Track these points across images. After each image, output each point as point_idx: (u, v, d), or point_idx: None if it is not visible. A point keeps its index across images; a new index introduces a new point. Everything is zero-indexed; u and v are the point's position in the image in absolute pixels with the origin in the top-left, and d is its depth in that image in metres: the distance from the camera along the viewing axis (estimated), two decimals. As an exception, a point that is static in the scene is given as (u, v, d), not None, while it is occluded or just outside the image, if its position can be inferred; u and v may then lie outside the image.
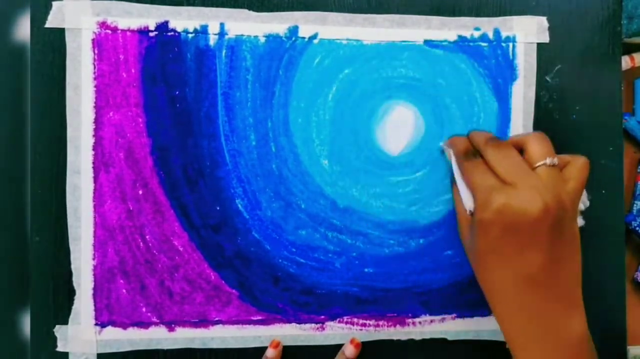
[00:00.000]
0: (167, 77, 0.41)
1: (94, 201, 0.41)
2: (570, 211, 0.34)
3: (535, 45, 0.43)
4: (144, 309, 0.41)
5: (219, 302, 0.42)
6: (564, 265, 0.35)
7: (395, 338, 0.43)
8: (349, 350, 0.42)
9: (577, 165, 0.36)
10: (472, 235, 0.36)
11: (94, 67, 0.40)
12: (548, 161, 0.35)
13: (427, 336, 0.44)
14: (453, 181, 0.40)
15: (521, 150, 0.36)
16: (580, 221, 0.39)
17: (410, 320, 0.43)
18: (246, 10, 0.41)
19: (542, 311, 0.35)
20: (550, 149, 0.36)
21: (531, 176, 0.34)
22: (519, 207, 0.33)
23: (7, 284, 0.37)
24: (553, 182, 0.34)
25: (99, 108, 0.40)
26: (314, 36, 0.42)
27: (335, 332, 0.43)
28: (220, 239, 0.42)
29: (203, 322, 0.42)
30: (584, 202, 0.39)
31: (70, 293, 0.41)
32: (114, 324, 0.41)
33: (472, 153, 0.37)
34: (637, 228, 0.46)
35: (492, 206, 0.33)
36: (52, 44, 0.40)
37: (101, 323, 0.41)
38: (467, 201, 0.37)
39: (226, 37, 0.41)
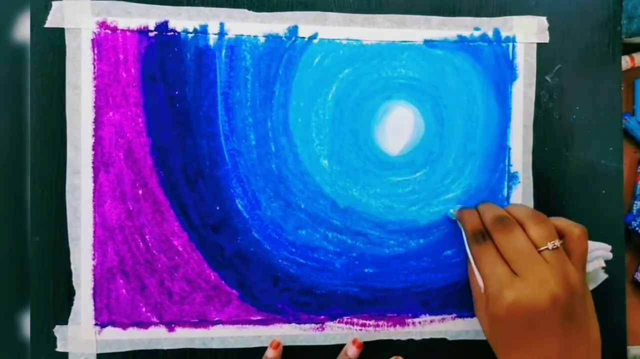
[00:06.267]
0: (166, 77, 0.41)
1: (93, 201, 0.41)
2: (578, 291, 0.35)
3: (535, 45, 0.43)
4: (143, 309, 0.41)
5: (219, 302, 0.42)
6: (580, 346, 0.35)
7: (395, 338, 0.43)
8: (352, 351, 0.42)
9: (574, 238, 0.37)
10: (488, 321, 0.37)
11: (94, 67, 0.40)
12: (550, 245, 0.36)
13: (427, 336, 0.43)
14: (466, 255, 0.40)
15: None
16: (602, 276, 0.40)
17: (410, 320, 0.43)
18: (246, 10, 0.41)
19: None
20: (551, 230, 0.36)
21: (537, 264, 0.35)
22: (529, 302, 0.34)
23: (7, 284, 0.37)
24: (558, 266, 0.35)
25: (98, 108, 0.40)
26: (314, 36, 0.42)
27: (335, 332, 0.43)
28: (220, 239, 0.42)
29: (203, 322, 0.42)
30: (600, 259, 0.39)
31: (70, 293, 0.41)
32: (113, 324, 0.41)
33: (481, 234, 0.38)
34: (637, 228, 0.46)
35: (503, 303, 0.34)
36: (52, 44, 0.40)
37: (101, 323, 0.41)
38: (481, 282, 0.38)
39: (226, 37, 0.41)
